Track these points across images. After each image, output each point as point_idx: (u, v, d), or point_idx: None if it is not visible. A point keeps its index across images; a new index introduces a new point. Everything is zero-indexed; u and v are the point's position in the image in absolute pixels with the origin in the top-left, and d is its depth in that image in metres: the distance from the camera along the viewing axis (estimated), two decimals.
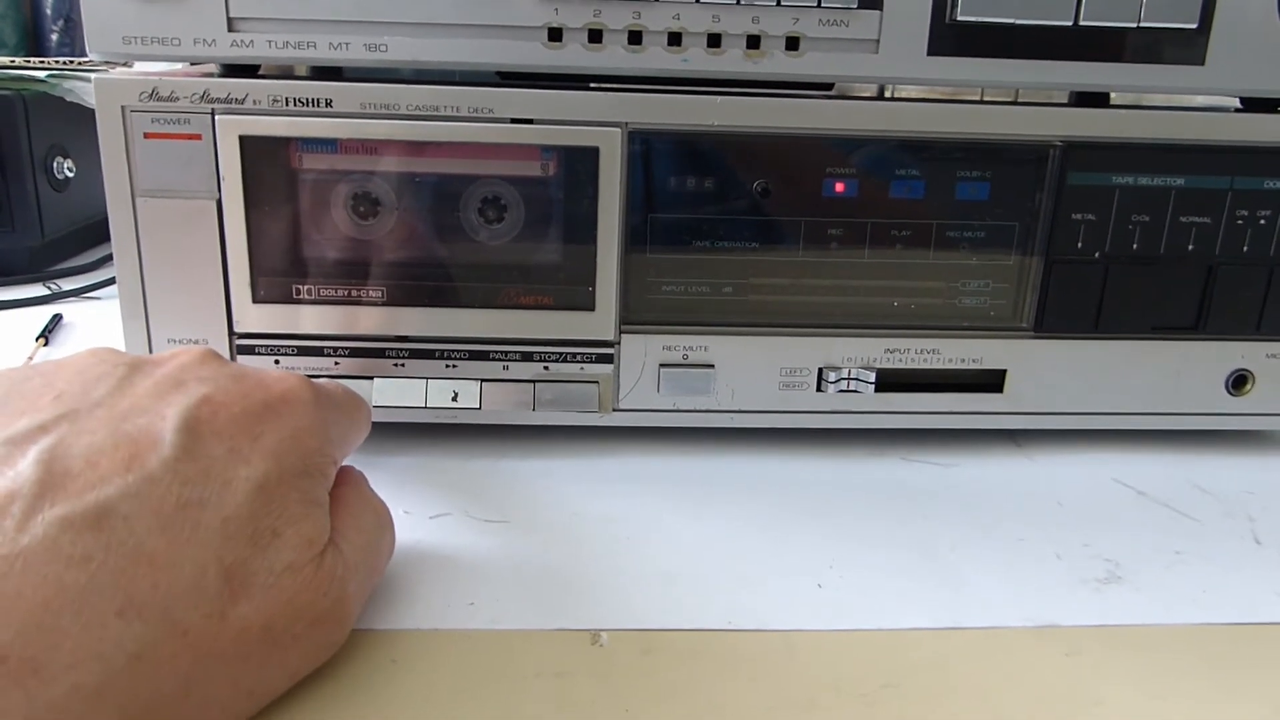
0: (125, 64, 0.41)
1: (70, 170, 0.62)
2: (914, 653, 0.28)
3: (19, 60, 0.60)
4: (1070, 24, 0.36)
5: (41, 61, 0.60)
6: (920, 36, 0.36)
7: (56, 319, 0.52)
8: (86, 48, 0.35)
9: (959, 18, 0.35)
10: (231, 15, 0.34)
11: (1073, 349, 0.40)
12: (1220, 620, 0.30)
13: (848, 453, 0.41)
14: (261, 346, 0.38)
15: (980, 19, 0.35)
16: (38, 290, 0.58)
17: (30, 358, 0.48)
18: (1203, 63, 0.37)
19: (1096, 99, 0.40)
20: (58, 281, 0.60)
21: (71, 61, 0.61)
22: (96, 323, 0.54)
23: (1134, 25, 0.36)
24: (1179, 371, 0.41)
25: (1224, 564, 0.33)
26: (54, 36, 1.25)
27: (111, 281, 0.57)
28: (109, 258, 0.62)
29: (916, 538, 0.35)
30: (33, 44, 1.17)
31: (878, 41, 0.36)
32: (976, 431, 0.42)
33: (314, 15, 0.34)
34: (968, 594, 0.31)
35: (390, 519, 0.29)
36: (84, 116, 0.60)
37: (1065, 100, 0.40)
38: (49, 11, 1.16)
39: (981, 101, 0.38)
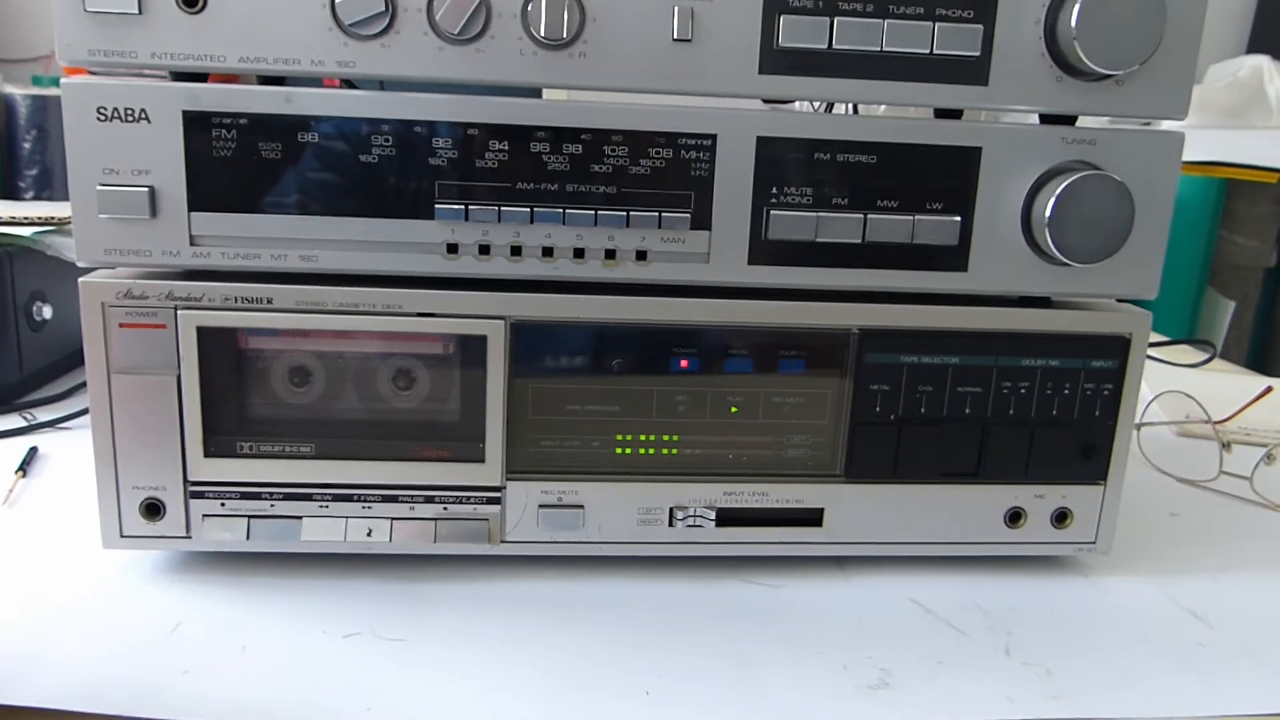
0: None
1: (48, 313, 0.70)
2: None
3: (5, 216, 0.68)
4: (859, 241, 0.46)
5: (25, 217, 0.68)
6: (742, 250, 0.46)
7: (33, 451, 0.60)
8: (75, 257, 0.44)
9: (770, 237, 0.45)
10: (193, 234, 0.43)
11: (877, 491, 0.49)
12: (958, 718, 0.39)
13: (697, 576, 0.49)
14: (211, 492, 0.46)
15: (787, 238, 0.45)
16: (14, 421, 0.66)
17: (10, 491, 0.55)
18: (966, 269, 0.47)
19: (885, 295, 0.49)
20: (33, 411, 0.68)
21: (53, 218, 0.69)
22: (71, 453, 0.61)
23: (908, 242, 0.46)
24: (965, 509, 0.50)
25: (973, 671, 0.42)
26: (31, 174, 1.34)
27: (84, 412, 0.64)
28: (81, 386, 0.70)
29: (738, 651, 0.43)
30: (7, 187, 1.26)
31: (708, 253, 0.46)
32: (809, 557, 0.51)
33: (258, 234, 0.44)
34: (769, 701, 0.39)
35: None
36: (63, 267, 0.69)
37: (860, 295, 0.50)
38: (23, 156, 1.25)
39: (794, 298, 0.47)
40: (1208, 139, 1.71)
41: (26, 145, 1.47)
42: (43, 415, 0.67)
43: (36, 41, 1.88)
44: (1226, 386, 0.93)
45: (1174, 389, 0.80)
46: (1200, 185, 1.69)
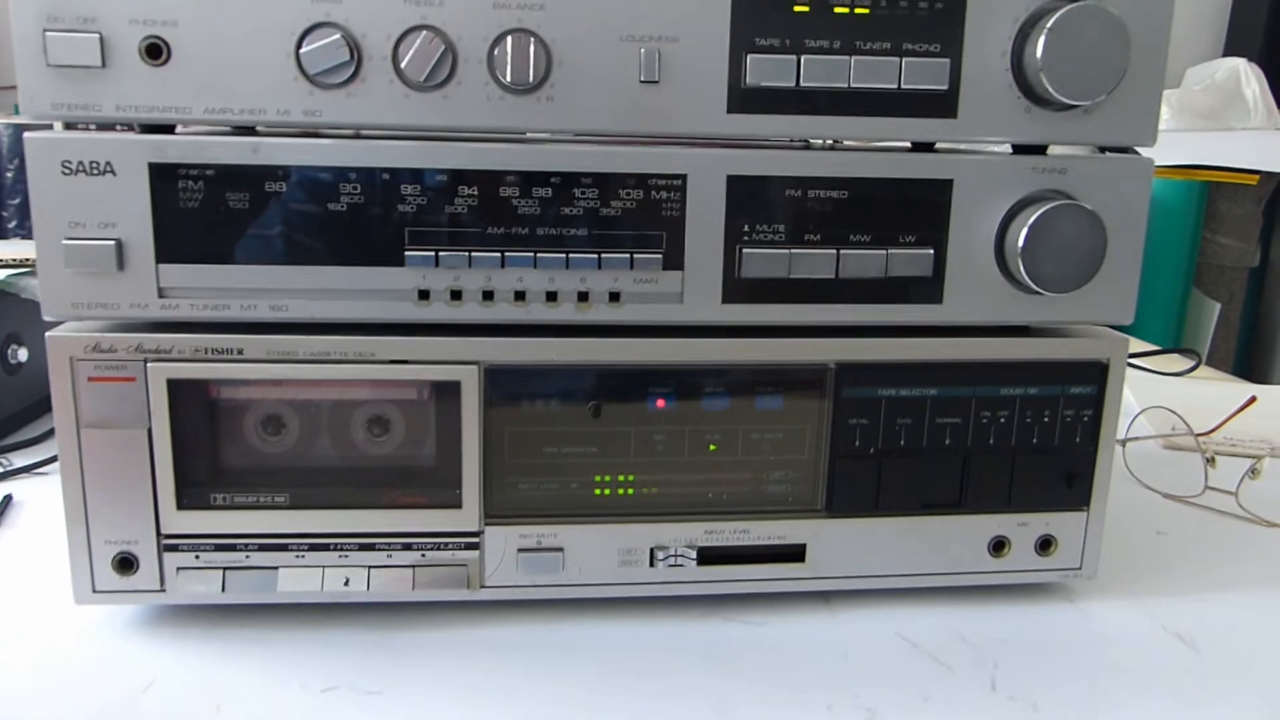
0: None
1: (24, 356, 0.70)
2: None
3: None
4: (833, 276, 0.46)
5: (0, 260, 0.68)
6: (715, 289, 0.45)
7: (8, 500, 0.60)
8: (42, 310, 0.43)
9: (743, 275, 0.45)
10: (161, 286, 0.43)
11: (859, 525, 0.49)
12: None
13: (679, 615, 0.49)
14: (185, 544, 0.46)
15: (760, 276, 0.45)
16: None
17: None
18: (941, 301, 0.47)
19: (861, 329, 0.49)
20: (8, 456, 0.67)
21: (28, 260, 0.69)
22: (46, 501, 0.61)
23: (882, 276, 0.46)
24: (948, 539, 0.50)
25: (960, 708, 0.42)
26: (14, 203, 1.33)
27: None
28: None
29: (721, 693, 0.43)
30: None
31: (682, 293, 0.45)
32: (792, 593, 0.50)
33: (228, 284, 0.43)
34: None
35: None
36: (38, 309, 0.68)
37: (836, 329, 0.49)
38: (6, 186, 1.25)
39: (770, 334, 0.47)
40: (1188, 142, 1.72)
41: (9, 175, 1.46)
42: (18, 460, 0.66)
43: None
44: (1212, 395, 0.93)
45: (1160, 402, 0.80)
46: (1182, 188, 1.69)
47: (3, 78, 1.89)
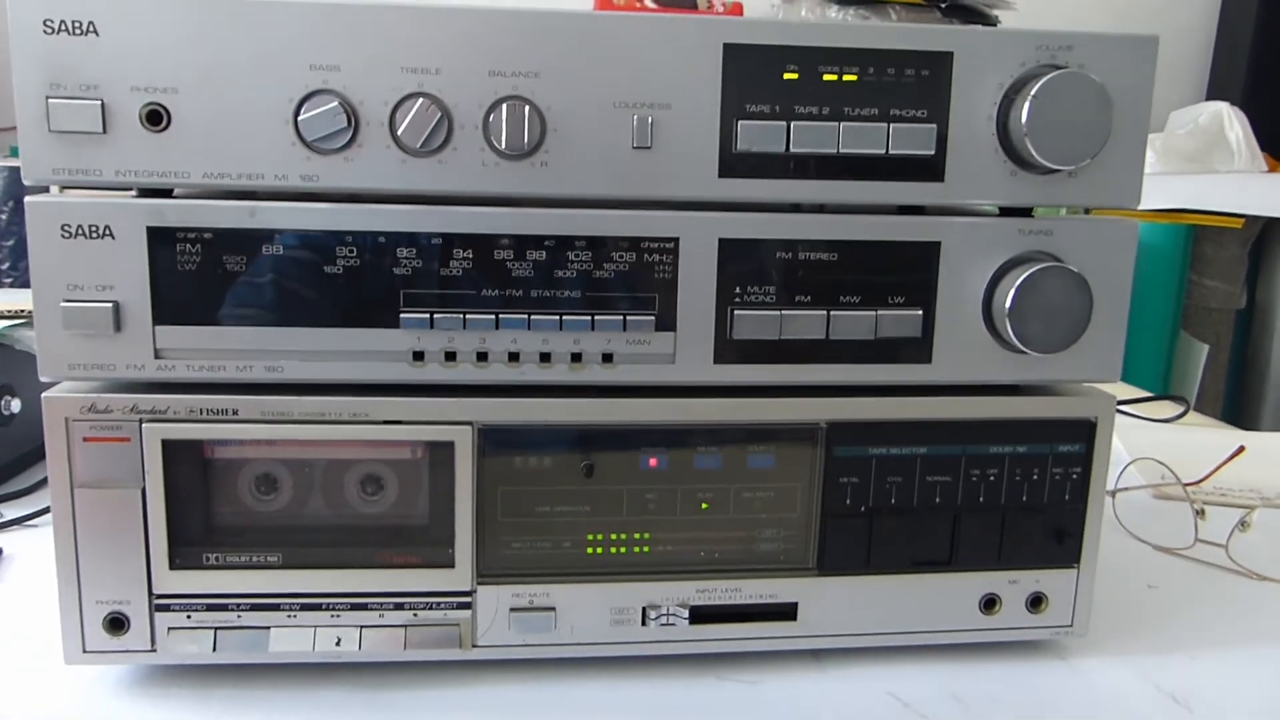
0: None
1: (16, 407, 0.70)
2: None
3: None
4: (823, 337, 0.46)
5: None
6: (707, 350, 0.46)
7: None
8: (39, 371, 0.43)
9: (735, 336, 0.46)
10: (158, 347, 0.43)
11: (851, 583, 0.49)
12: None
13: (671, 674, 0.49)
14: (176, 604, 0.45)
15: (752, 337, 0.46)
16: None
17: None
18: (930, 361, 0.47)
19: (851, 388, 0.49)
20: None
21: (22, 311, 0.69)
22: (36, 554, 0.60)
23: (872, 337, 0.46)
24: (939, 597, 0.50)
25: None
26: (8, 245, 1.34)
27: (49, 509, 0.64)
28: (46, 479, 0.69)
29: None
30: None
31: (674, 354, 0.46)
32: (784, 651, 0.50)
33: (223, 346, 0.44)
34: None
35: None
36: (31, 360, 0.68)
37: (826, 389, 0.50)
38: None
39: (761, 394, 0.47)
40: (1173, 185, 1.75)
41: (3, 217, 1.47)
42: (9, 511, 0.66)
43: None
44: (1201, 442, 0.93)
45: (1149, 449, 0.81)
46: (1168, 231, 1.71)
47: (2, 119, 1.90)
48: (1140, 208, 0.48)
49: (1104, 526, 0.51)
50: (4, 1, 0.41)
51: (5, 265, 1.47)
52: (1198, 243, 1.77)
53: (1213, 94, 2.20)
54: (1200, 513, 0.68)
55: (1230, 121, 1.91)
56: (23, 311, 0.69)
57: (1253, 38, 2.15)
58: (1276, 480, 0.82)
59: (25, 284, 1.46)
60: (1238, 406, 1.86)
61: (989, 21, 2.03)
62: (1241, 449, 0.80)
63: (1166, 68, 0.47)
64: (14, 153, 1.67)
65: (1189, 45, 2.27)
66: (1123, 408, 1.02)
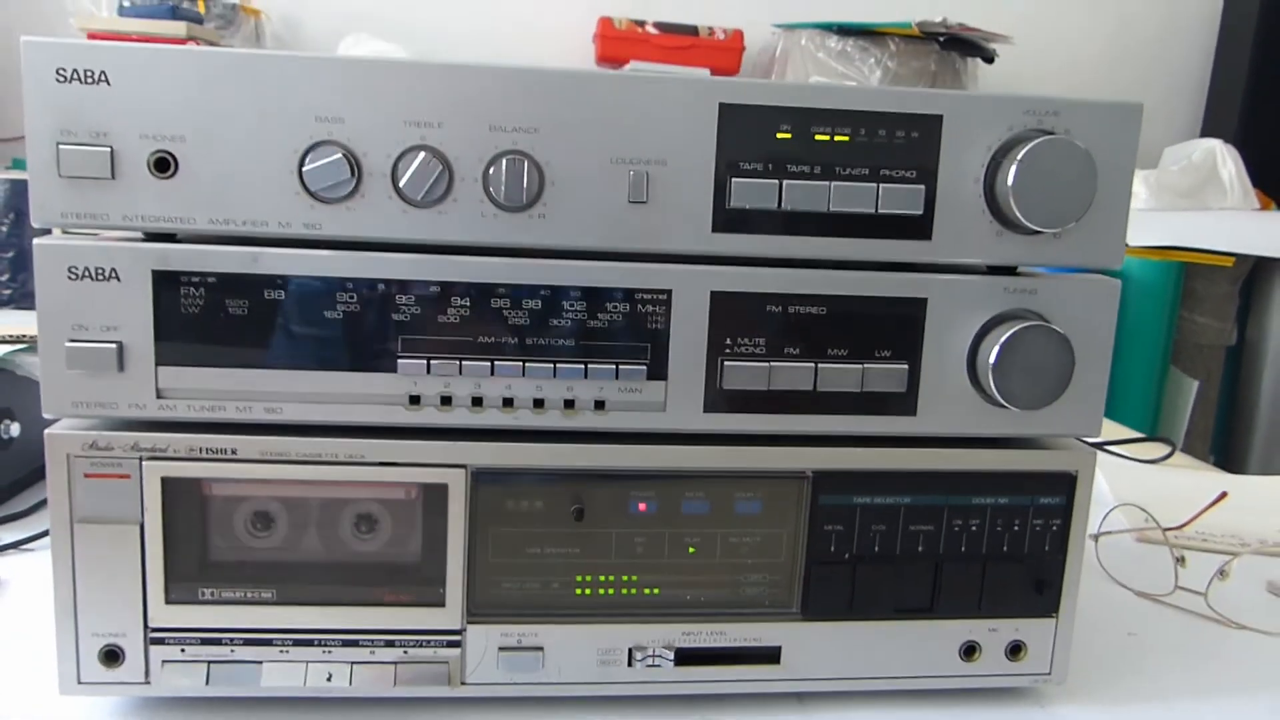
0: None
1: (15, 431, 0.70)
2: None
3: None
4: (811, 389, 0.47)
5: None
6: (697, 399, 0.47)
7: None
8: (42, 408, 0.44)
9: (724, 387, 0.47)
10: (160, 387, 0.44)
11: (834, 628, 0.50)
12: None
13: (656, 715, 0.50)
14: (171, 638, 0.46)
15: (741, 388, 0.47)
16: None
17: None
18: (915, 414, 0.48)
19: (837, 438, 0.50)
20: None
21: (23, 336, 0.70)
22: (33, 579, 0.61)
23: (858, 391, 0.48)
24: (921, 644, 0.51)
25: None
26: (8, 257, 1.35)
27: (46, 533, 0.64)
28: (42, 503, 0.69)
29: None
30: None
31: (665, 402, 0.47)
32: (768, 694, 0.51)
33: (224, 387, 0.44)
34: None
35: None
36: (30, 384, 0.69)
37: (813, 438, 0.50)
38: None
39: (749, 442, 0.49)
40: (1165, 221, 1.77)
41: (3, 229, 1.48)
42: (5, 535, 0.67)
43: (17, 121, 1.89)
44: (1186, 485, 0.95)
45: (1134, 490, 0.82)
46: (1159, 268, 1.73)
47: (4, 128, 1.91)
48: (1132, 244, 0.49)
49: (1086, 570, 0.52)
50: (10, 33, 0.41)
51: (4, 277, 1.47)
52: (1189, 279, 1.79)
53: (1207, 131, 2.22)
54: (1180, 560, 0.69)
55: (1223, 159, 1.94)
56: (24, 336, 0.70)
57: (1247, 75, 2.18)
58: (1258, 526, 0.83)
59: (24, 296, 1.47)
60: (1227, 442, 1.87)
61: (986, 55, 2.06)
62: (1224, 495, 0.82)
63: (1161, 104, 0.48)
64: (15, 164, 1.67)
65: (1184, 82, 2.30)
66: (1110, 448, 1.04)
